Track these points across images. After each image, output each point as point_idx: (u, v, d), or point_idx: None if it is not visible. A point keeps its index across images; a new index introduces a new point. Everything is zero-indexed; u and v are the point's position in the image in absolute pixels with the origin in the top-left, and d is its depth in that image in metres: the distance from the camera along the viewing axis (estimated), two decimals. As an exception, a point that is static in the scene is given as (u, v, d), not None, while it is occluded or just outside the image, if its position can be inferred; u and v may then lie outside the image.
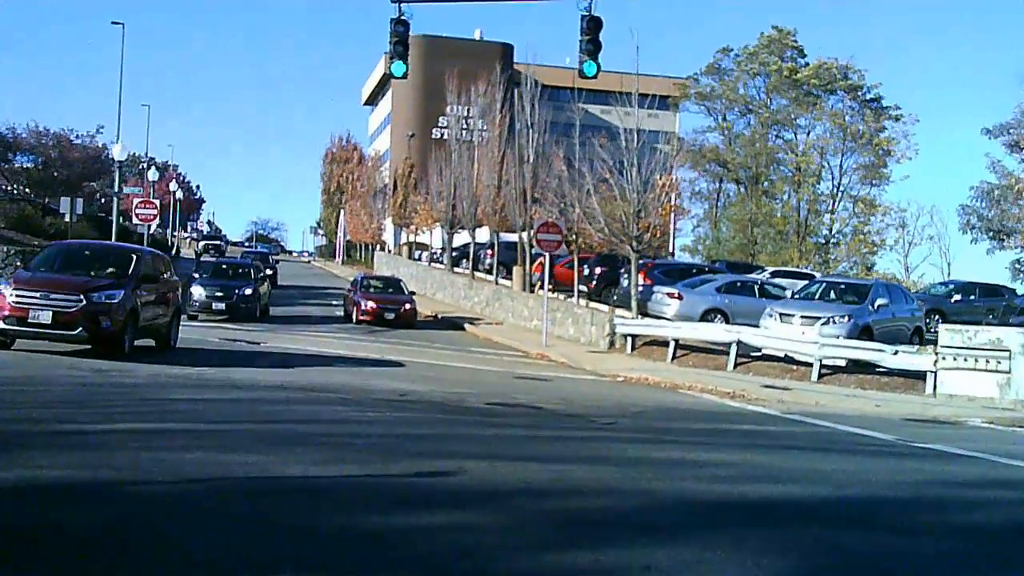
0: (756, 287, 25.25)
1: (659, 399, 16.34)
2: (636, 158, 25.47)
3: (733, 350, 20.19)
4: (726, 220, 71.25)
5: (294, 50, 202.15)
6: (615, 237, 25.94)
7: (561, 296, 31.35)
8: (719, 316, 23.92)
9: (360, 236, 73.38)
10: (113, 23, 50.99)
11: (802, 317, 20.48)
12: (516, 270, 37.45)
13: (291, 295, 40.54)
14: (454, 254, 47.40)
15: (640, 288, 25.04)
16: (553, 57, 57.29)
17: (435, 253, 56.53)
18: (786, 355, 20.52)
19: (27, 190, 40.29)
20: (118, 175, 30.98)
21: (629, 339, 23.84)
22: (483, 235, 49.70)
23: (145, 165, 54.22)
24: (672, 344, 21.97)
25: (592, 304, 30.18)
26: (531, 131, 35.03)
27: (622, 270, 32.14)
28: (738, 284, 25.16)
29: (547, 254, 25.61)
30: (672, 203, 26.63)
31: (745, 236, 68.03)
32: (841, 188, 67.67)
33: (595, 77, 17.49)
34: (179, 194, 73.50)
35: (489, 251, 45.51)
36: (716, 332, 20.56)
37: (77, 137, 38.62)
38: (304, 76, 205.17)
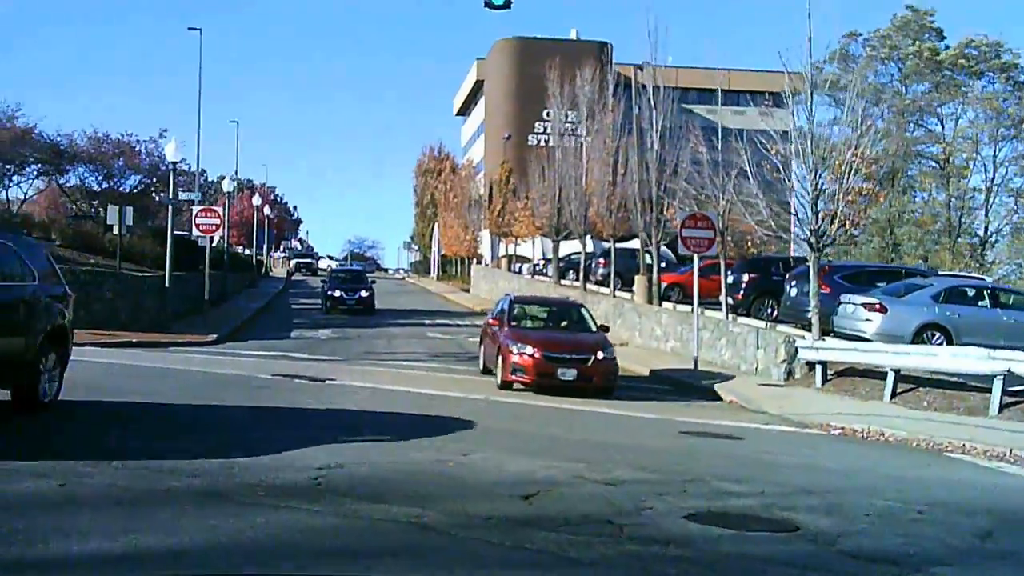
0: (987, 293, 18.63)
1: (950, 479, 10.04)
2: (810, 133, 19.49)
3: (998, 386, 13.70)
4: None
5: (384, 65, 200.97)
6: (783, 232, 19.87)
7: (699, 310, 25.32)
8: (938, 334, 17.49)
9: (455, 250, 68.49)
10: (190, 29, 47.56)
11: None
12: (639, 280, 31.47)
13: (382, 319, 35.55)
14: (560, 265, 41.79)
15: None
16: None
17: (537, 265, 50.96)
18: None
19: (93, 203, 36.45)
20: (171, 179, 26.43)
21: (817, 367, 17.60)
22: (587, 245, 44.51)
23: (232, 180, 50.39)
24: (891, 376, 15.62)
25: (743, 320, 24.01)
26: (654, 112, 29.06)
27: (777, 276, 25.91)
28: (963, 291, 18.56)
29: (695, 255, 19.62)
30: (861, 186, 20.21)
31: (883, 238, 60.40)
32: (996, 181, 59.34)
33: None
34: (267, 211, 69.98)
35: (602, 260, 39.73)
36: (969, 359, 14.04)
37: (138, 143, 34.67)
38: (395, 89, 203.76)
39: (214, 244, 32.15)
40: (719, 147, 25.84)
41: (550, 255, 50.49)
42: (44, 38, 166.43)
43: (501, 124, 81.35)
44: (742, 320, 23.73)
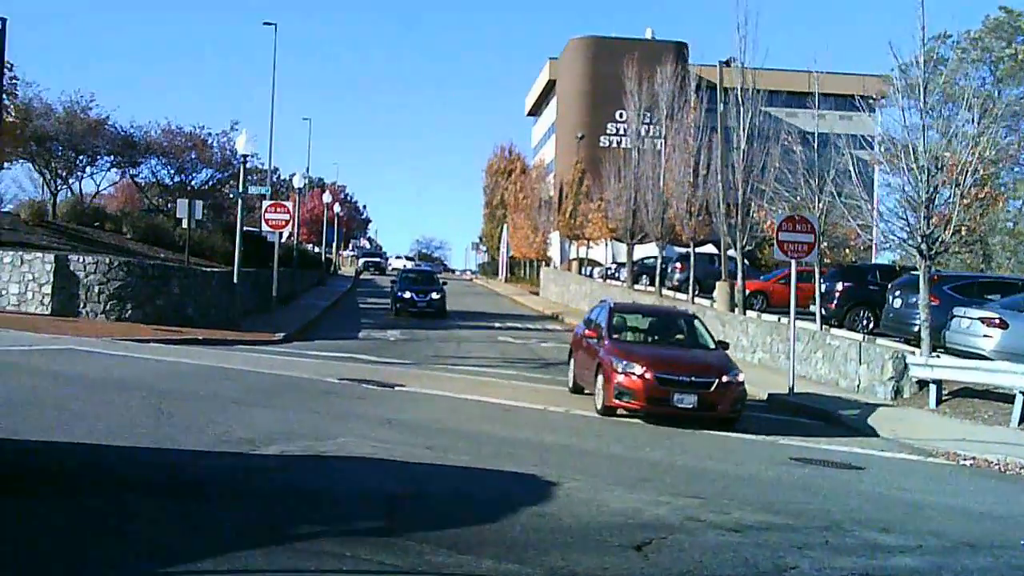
0: None
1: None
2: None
3: None
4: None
5: (456, 65, 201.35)
6: (892, 236, 18.28)
7: (783, 320, 23.79)
8: (1069, 353, 15.69)
9: (524, 252, 67.44)
10: (265, 24, 47.44)
11: None
12: (720, 286, 29.94)
13: (451, 321, 34.60)
14: (633, 269, 40.38)
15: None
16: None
17: (609, 269, 49.56)
18: None
19: (167, 198, 36.29)
20: (242, 172, 25.79)
21: (931, 387, 15.98)
22: (654, 248, 43.15)
23: (303, 177, 50.20)
24: (1020, 399, 13.96)
25: (838, 332, 22.38)
26: (741, 109, 27.51)
27: (874, 285, 24.19)
28: (1100, 305, 16.69)
29: (792, 261, 18.08)
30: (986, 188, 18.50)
31: (972, 249, 57.49)
32: (1098, 189, 55.92)
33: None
34: (337, 208, 69.88)
35: (679, 264, 38.25)
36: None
37: (210, 136, 34.33)
38: (466, 89, 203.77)
39: (284, 240, 31.57)
40: (814, 148, 24.34)
41: (621, 259, 49.16)
42: (119, 27, 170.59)
43: (573, 124, 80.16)
44: (837, 332, 22.10)
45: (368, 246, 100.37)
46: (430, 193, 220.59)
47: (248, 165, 29.95)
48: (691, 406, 13.04)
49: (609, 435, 11.83)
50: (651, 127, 40.69)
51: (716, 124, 32.53)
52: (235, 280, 26.81)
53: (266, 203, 27.89)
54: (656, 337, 15.78)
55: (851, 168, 19.36)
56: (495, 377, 18.54)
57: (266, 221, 27.35)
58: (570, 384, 16.57)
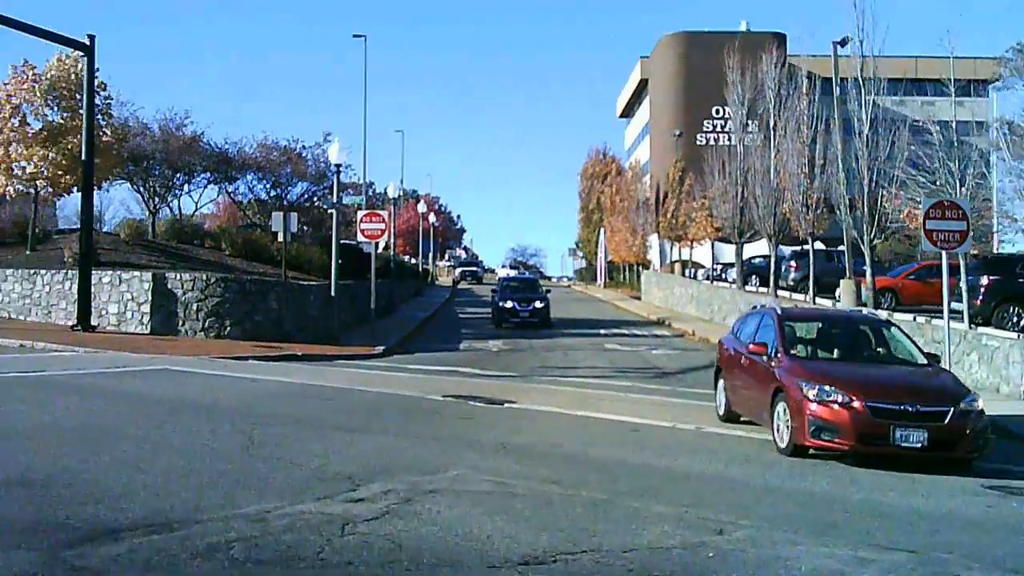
0: None
1: None
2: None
3: None
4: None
5: (545, 72, 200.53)
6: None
7: (919, 319, 21.58)
8: None
9: (623, 255, 65.61)
10: (355, 36, 47.15)
11: None
12: (845, 284, 27.65)
13: (554, 329, 33.23)
14: (731, 269, 38.31)
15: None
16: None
17: (715, 270, 47.35)
18: None
19: (263, 212, 36.04)
20: (335, 182, 25.03)
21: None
22: (761, 247, 40.80)
23: (397, 187, 49.75)
24: None
25: (989, 330, 20.06)
26: (863, 91, 25.34)
27: (1023, 279, 21.74)
28: None
29: (943, 252, 16.03)
30: None
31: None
32: None
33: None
34: (432, 218, 69.53)
35: (793, 263, 35.90)
36: None
37: (304, 149, 33.90)
38: (556, 97, 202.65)
39: (380, 251, 30.77)
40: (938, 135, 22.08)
41: (724, 259, 46.93)
42: (211, 43, 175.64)
43: (667, 123, 78.09)
44: (990, 331, 19.80)
45: (464, 255, 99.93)
46: (524, 200, 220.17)
47: (342, 177, 29.30)
48: (920, 445, 9.79)
49: (757, 460, 10.19)
50: (757, 119, 38.52)
51: (828, 112, 30.38)
52: (333, 293, 26.07)
53: (361, 213, 27.04)
54: (842, 352, 12.08)
55: (1003, 147, 17.18)
56: (609, 389, 17.05)
57: (361, 231, 26.49)
58: (720, 410, 13.44)
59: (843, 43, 28.76)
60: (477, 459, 8.94)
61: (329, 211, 29.55)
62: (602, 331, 32.63)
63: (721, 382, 13.60)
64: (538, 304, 33.19)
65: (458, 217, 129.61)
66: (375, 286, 27.39)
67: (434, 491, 7.18)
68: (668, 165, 72.22)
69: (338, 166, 26.26)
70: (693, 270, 51.80)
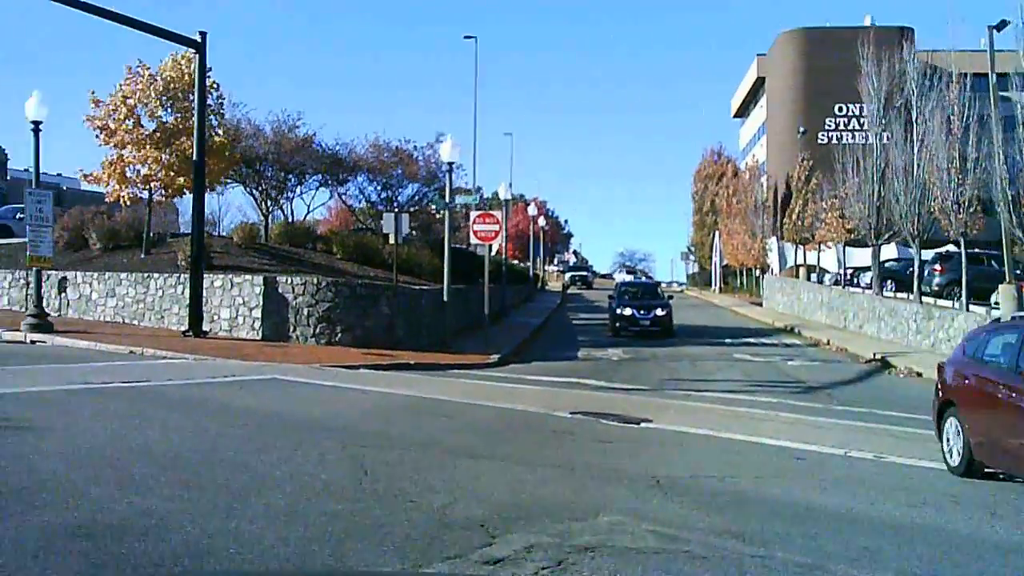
0: None
1: None
2: None
3: None
4: None
5: (653, 71, 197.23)
6: None
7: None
8: None
9: (741, 259, 62.85)
10: (466, 38, 46.40)
11: None
12: (1004, 289, 24.88)
13: (674, 337, 31.35)
14: (864, 273, 35.59)
15: None
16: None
17: (843, 274, 44.35)
18: None
19: (374, 215, 35.41)
20: (448, 181, 23.91)
21: None
22: (890, 251, 39.34)
23: (508, 189, 48.58)
24: None
25: None
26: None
27: None
28: None
29: None
30: None
31: None
32: None
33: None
34: (542, 222, 68.21)
35: (938, 267, 33.02)
36: None
37: (416, 149, 32.99)
38: (665, 97, 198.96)
39: (493, 254, 29.55)
40: None
41: (852, 263, 43.86)
42: (322, 43, 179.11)
43: (786, 122, 74.90)
44: None
45: (574, 260, 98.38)
46: (631, 204, 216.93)
47: (453, 179, 28.18)
48: None
49: (990, 508, 8.29)
50: (894, 112, 35.68)
51: (980, 106, 27.63)
52: (445, 298, 24.96)
53: (474, 214, 25.86)
54: None
55: None
56: (753, 406, 15.22)
57: (474, 233, 25.34)
58: (953, 459, 9.62)
59: (1000, 27, 26.01)
60: (629, 498, 7.40)
61: (440, 213, 28.46)
62: (727, 340, 30.56)
63: (952, 421, 9.81)
64: (659, 312, 31.21)
65: (565, 222, 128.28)
66: (487, 291, 26.19)
67: (589, 548, 5.67)
68: (786, 165, 69.09)
69: (451, 164, 25.14)
70: (819, 275, 48.88)
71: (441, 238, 38.35)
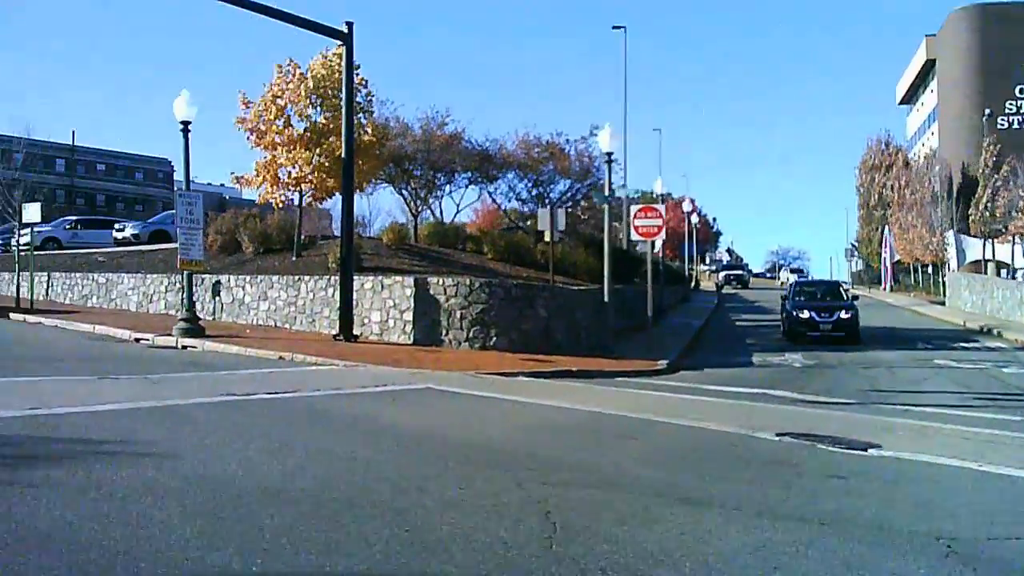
0: None
1: None
2: None
3: None
4: None
5: (809, 59, 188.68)
6: None
7: None
8: None
9: (917, 254, 57.97)
10: (614, 28, 44.31)
11: None
12: None
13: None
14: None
15: None
16: None
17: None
18: None
19: (524, 212, 33.97)
20: (607, 172, 22.02)
21: None
22: None
23: (663, 187, 46.39)
24: None
25: None
26: None
27: None
28: None
29: None
30: None
31: None
32: None
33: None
34: (695, 219, 65.31)
35: None
36: None
37: (567, 143, 31.20)
38: (818, 86, 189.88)
39: (655, 251, 27.46)
40: None
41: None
42: (469, 38, 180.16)
43: (960, 106, 69.13)
44: None
45: (727, 258, 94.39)
46: (783, 200, 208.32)
47: (612, 168, 26.22)
48: None
49: None
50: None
51: None
52: (606, 299, 23.08)
53: (634, 208, 23.83)
54: None
55: None
56: (992, 426, 12.54)
57: (635, 229, 23.28)
58: None
59: None
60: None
61: (599, 206, 26.56)
62: (920, 344, 27.27)
63: None
64: (844, 314, 27.68)
65: (713, 220, 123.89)
66: (651, 291, 24.12)
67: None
68: (962, 152, 63.60)
69: (609, 155, 23.24)
70: (1011, 271, 44.10)
71: (592, 235, 36.54)
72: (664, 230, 24.03)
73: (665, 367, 20.13)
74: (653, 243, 24.29)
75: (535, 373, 17.44)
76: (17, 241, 29.93)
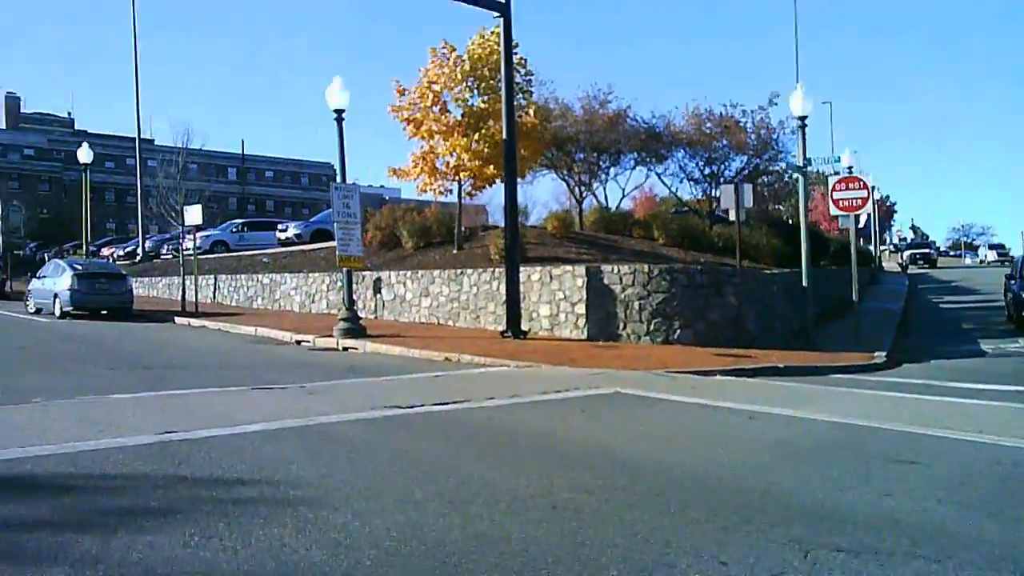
0: None
1: None
2: None
3: None
4: None
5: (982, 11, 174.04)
6: None
7: None
8: None
9: None
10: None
11: None
12: None
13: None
14: None
15: None
16: None
17: None
18: None
19: (696, 194, 31.33)
20: (800, 140, 19.23)
21: None
22: None
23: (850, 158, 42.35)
24: None
25: None
26: None
27: None
28: None
29: None
30: None
31: None
32: None
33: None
34: (877, 195, 60.12)
35: None
36: None
37: (744, 114, 28.27)
38: (996, 44, 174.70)
39: (859, 227, 24.34)
40: None
41: None
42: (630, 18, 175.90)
43: None
44: None
45: (912, 236, 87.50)
46: (963, 174, 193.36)
47: (805, 135, 23.28)
48: None
49: None
50: None
51: None
52: (804, 283, 20.31)
53: (832, 180, 20.91)
54: None
55: None
56: None
57: (835, 203, 20.39)
58: None
59: None
60: None
61: (794, 177, 23.71)
62: None
63: None
64: None
65: (887, 197, 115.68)
66: (829, 274, 21.18)
67: None
68: None
69: (803, 120, 20.40)
70: None
71: (772, 212, 33.37)
72: (869, 204, 20.99)
73: (884, 360, 17.24)
74: (856, 218, 21.26)
75: (734, 370, 15.04)
76: (182, 245, 30.00)
